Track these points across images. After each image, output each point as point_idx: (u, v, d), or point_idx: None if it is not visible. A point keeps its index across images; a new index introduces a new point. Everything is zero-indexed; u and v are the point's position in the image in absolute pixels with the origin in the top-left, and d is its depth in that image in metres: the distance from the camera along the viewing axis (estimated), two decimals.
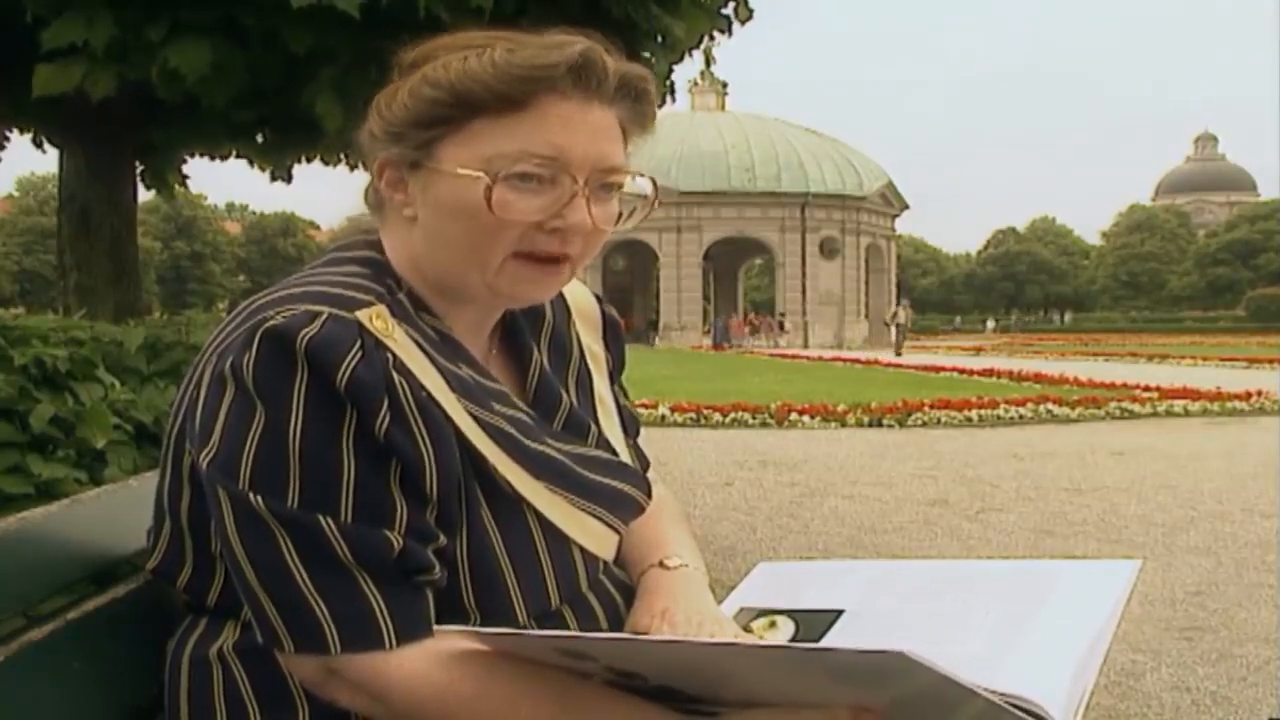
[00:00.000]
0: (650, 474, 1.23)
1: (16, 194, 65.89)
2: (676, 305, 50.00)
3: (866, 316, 51.92)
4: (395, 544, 0.93)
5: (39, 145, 7.21)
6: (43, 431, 1.82)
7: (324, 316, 0.94)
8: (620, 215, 1.06)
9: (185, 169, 8.09)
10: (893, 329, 36.45)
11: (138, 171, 7.28)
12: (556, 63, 0.98)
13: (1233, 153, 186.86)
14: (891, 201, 53.93)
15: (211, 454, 0.94)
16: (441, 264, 1.04)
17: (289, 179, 7.69)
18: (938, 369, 21.95)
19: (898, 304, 38.94)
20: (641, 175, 1.08)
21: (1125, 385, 15.34)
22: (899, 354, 31.73)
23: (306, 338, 0.92)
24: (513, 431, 1.03)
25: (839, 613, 1.10)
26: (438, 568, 0.96)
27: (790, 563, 1.45)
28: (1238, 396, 13.54)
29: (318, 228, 77.40)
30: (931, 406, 12.26)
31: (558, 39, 1.01)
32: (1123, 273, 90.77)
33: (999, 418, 12.06)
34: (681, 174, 46.74)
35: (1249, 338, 44.97)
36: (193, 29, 4.77)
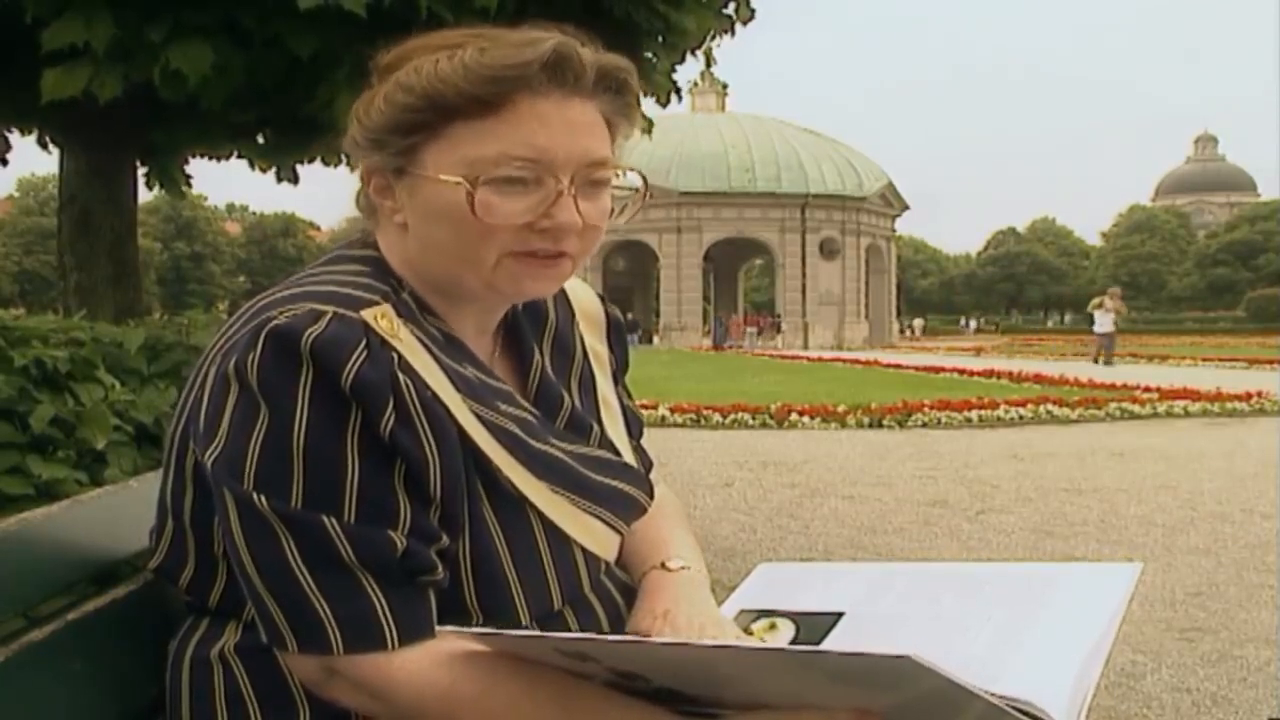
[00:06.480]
0: (652, 474, 1.23)
1: (17, 194, 65.86)
2: (676, 305, 49.98)
3: (867, 317, 51.90)
4: (398, 544, 0.93)
5: (43, 145, 7.21)
6: (43, 432, 1.82)
7: (329, 316, 0.94)
8: (613, 211, 1.05)
9: (186, 169, 8.08)
10: (1102, 326, 24.61)
11: (140, 172, 7.28)
12: (529, 60, 0.97)
13: (1233, 153, 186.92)
14: (891, 202, 53.91)
15: (216, 453, 0.94)
16: (436, 267, 1.03)
17: (295, 180, 7.66)
18: (938, 369, 21.94)
19: (1104, 293, 25.62)
20: (631, 169, 1.05)
21: (1125, 386, 15.32)
22: (1109, 362, 23.16)
23: (311, 337, 0.92)
24: (517, 431, 1.03)
25: (839, 615, 1.10)
26: (440, 568, 0.96)
27: (790, 564, 1.45)
28: (1238, 397, 13.52)
29: (318, 228, 77.35)
30: (931, 407, 12.25)
31: (530, 35, 0.99)
32: (1123, 273, 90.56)
33: (999, 418, 12.05)
34: (681, 174, 46.73)
35: (1249, 338, 44.91)
36: (193, 30, 4.76)
